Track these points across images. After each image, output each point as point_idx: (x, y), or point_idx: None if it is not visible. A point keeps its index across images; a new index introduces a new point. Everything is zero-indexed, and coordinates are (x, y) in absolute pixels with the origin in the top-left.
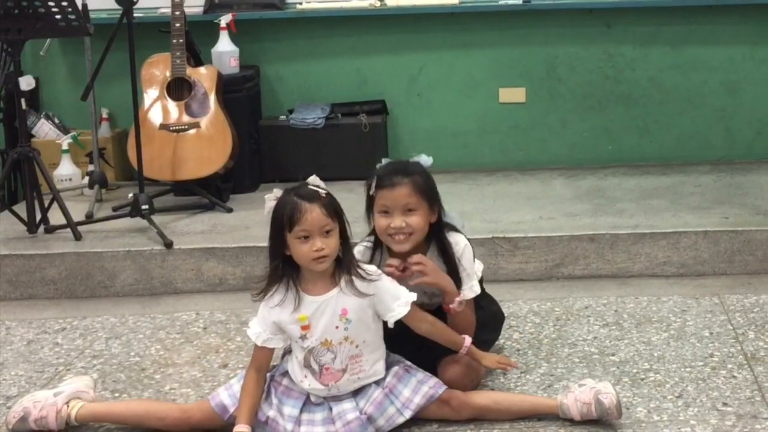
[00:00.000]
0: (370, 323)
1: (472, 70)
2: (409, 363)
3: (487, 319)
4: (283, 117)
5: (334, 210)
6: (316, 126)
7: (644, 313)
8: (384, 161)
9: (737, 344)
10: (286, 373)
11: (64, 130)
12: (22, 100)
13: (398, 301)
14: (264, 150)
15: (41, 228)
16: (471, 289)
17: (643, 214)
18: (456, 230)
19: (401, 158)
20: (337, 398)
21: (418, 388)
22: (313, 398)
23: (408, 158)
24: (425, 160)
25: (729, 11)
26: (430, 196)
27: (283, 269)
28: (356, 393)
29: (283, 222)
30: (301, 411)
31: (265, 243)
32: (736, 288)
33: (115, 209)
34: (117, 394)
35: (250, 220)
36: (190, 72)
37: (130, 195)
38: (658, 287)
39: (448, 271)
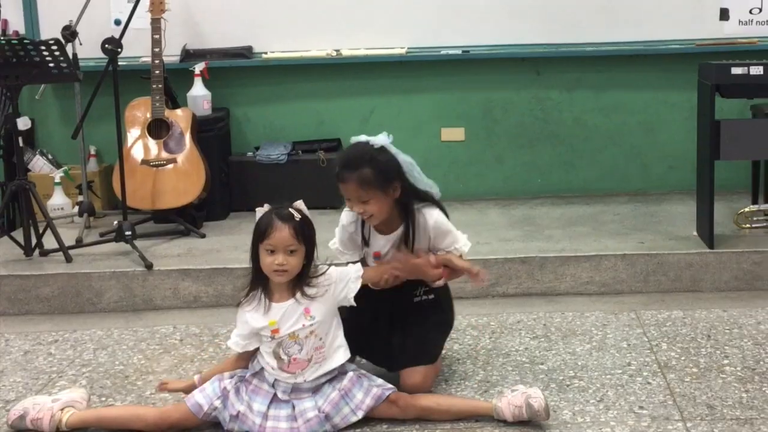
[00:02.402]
0: (331, 316)
1: (417, 112)
2: (362, 371)
3: (446, 324)
4: (250, 153)
5: (303, 234)
6: (279, 161)
7: (569, 327)
8: (352, 140)
9: (652, 354)
10: (255, 374)
11: (57, 165)
12: (20, 139)
13: (348, 281)
14: (233, 182)
15: (36, 251)
16: (465, 246)
17: (569, 239)
18: (429, 200)
19: None
20: (300, 397)
21: (369, 390)
22: (279, 393)
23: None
24: (381, 139)
25: (645, 60)
26: (381, 183)
27: (257, 277)
28: (316, 392)
29: (258, 233)
30: (269, 407)
31: (235, 264)
32: (651, 304)
33: (101, 235)
34: (104, 399)
35: (221, 244)
36: (168, 114)
37: (115, 222)
38: (581, 304)
39: (413, 245)
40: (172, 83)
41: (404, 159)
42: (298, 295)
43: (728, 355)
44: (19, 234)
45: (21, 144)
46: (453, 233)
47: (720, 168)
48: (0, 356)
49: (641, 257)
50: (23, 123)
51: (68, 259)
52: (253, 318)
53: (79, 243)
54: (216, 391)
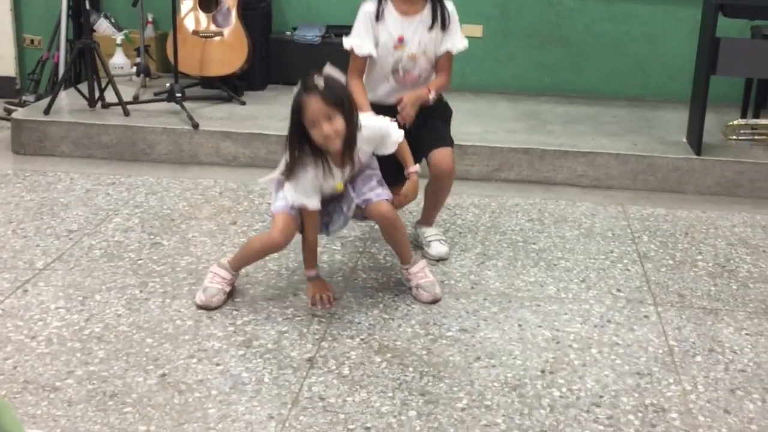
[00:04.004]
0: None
1: None
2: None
3: (449, 114)
4: (288, 33)
5: (333, 97)
6: (313, 42)
7: (562, 213)
8: None
9: (633, 245)
10: None
11: (119, 28)
12: (87, 2)
13: (389, 143)
14: (272, 58)
15: (99, 104)
16: (462, 42)
17: (568, 135)
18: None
19: None
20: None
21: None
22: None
23: None
24: None
25: None
26: None
27: (311, 150)
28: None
29: (295, 113)
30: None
31: (270, 131)
32: (637, 201)
33: (156, 94)
34: (152, 237)
35: (259, 112)
36: None
37: (168, 84)
38: (574, 194)
39: (434, 23)
40: None
41: None
42: (351, 162)
43: (702, 252)
44: (84, 87)
45: (87, 6)
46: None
47: (715, 82)
48: (65, 192)
49: (633, 157)
50: None
51: (126, 113)
52: (318, 178)
53: (136, 100)
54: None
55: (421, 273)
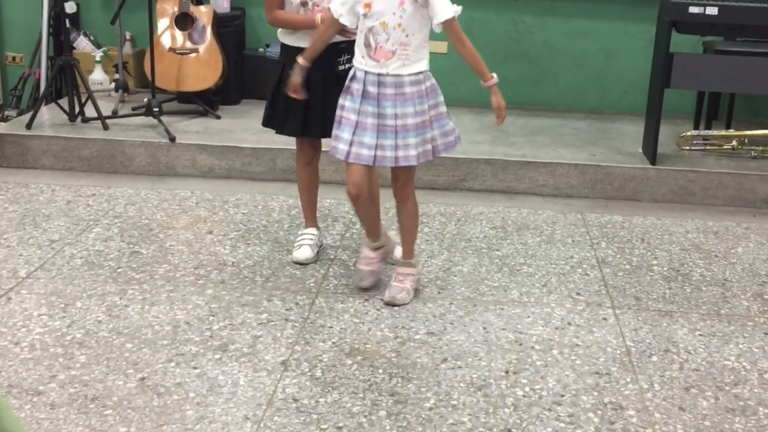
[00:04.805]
0: (420, 20)
1: None
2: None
3: None
4: (261, 49)
5: None
6: None
7: (524, 221)
8: None
9: (592, 250)
10: (352, 79)
11: (98, 46)
12: (67, 21)
13: (445, 5)
14: (246, 73)
15: (79, 118)
16: None
17: (530, 147)
18: None
19: None
20: (384, 96)
21: (436, 138)
22: (369, 87)
23: None
24: None
25: None
26: None
27: None
28: (398, 99)
29: None
30: (360, 104)
31: (245, 144)
32: (596, 209)
33: (134, 109)
34: (131, 246)
35: (233, 126)
36: (193, 9)
37: (145, 99)
38: (536, 203)
39: None
40: None
41: None
42: None
43: (657, 257)
44: (64, 102)
45: (68, 25)
46: None
47: (669, 95)
48: (47, 203)
49: (591, 167)
50: (70, 7)
51: (105, 127)
52: None
53: (115, 114)
54: (345, 130)
55: (401, 276)
